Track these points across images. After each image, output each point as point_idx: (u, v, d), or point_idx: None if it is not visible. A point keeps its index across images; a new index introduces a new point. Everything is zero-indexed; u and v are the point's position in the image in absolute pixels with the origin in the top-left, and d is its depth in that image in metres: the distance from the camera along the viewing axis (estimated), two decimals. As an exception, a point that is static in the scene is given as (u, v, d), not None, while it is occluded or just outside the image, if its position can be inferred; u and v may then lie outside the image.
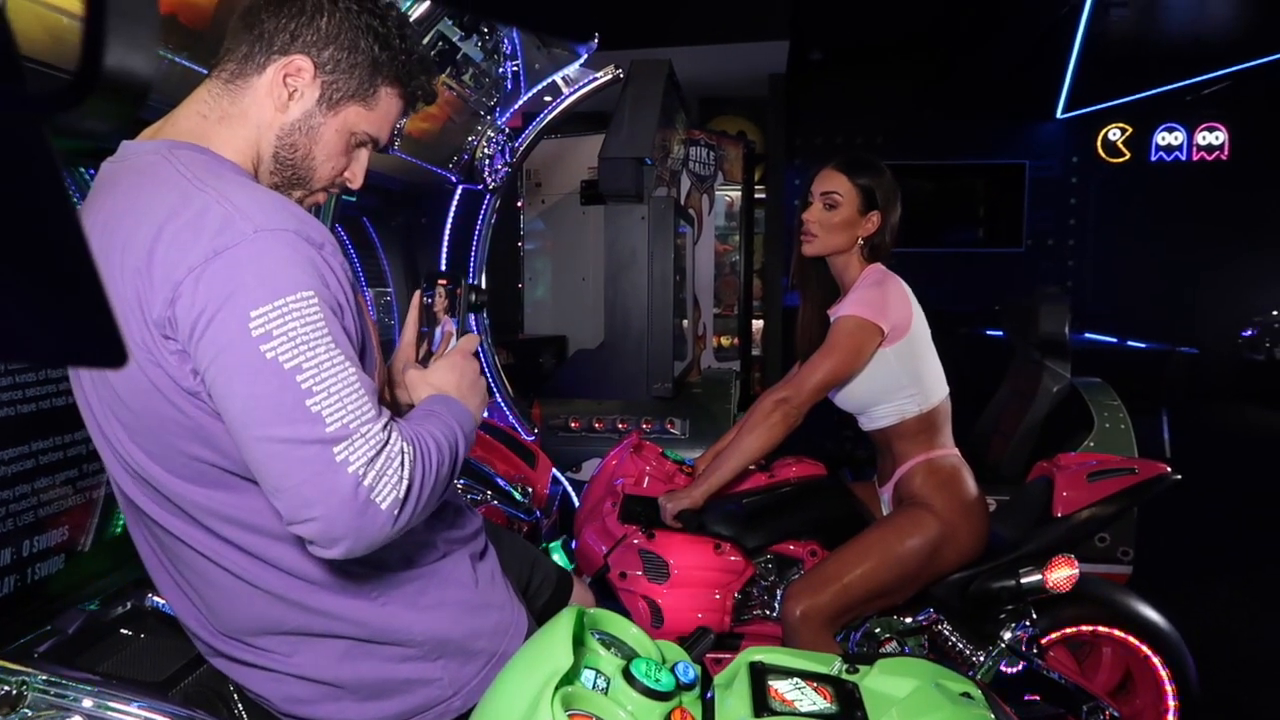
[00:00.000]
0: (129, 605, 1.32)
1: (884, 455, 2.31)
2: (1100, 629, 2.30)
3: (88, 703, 1.08)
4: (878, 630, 2.25)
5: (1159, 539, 4.60)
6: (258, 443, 1.02)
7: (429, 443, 1.13)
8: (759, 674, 1.16)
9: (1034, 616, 2.24)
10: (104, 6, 0.20)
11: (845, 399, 2.25)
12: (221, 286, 1.01)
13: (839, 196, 2.21)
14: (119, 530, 1.67)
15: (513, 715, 1.05)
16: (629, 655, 1.19)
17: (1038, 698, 2.29)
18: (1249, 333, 9.14)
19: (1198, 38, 8.25)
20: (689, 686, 1.16)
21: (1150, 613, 2.31)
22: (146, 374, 1.07)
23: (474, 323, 2.98)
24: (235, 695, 1.24)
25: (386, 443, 1.06)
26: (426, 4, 1.93)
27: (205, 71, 1.53)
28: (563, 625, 1.11)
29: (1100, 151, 9.79)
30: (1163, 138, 9.68)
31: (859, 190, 2.21)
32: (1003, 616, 2.24)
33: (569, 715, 1.04)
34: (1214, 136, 9.60)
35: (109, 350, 0.26)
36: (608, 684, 1.13)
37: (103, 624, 1.29)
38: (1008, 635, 2.22)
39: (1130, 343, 7.77)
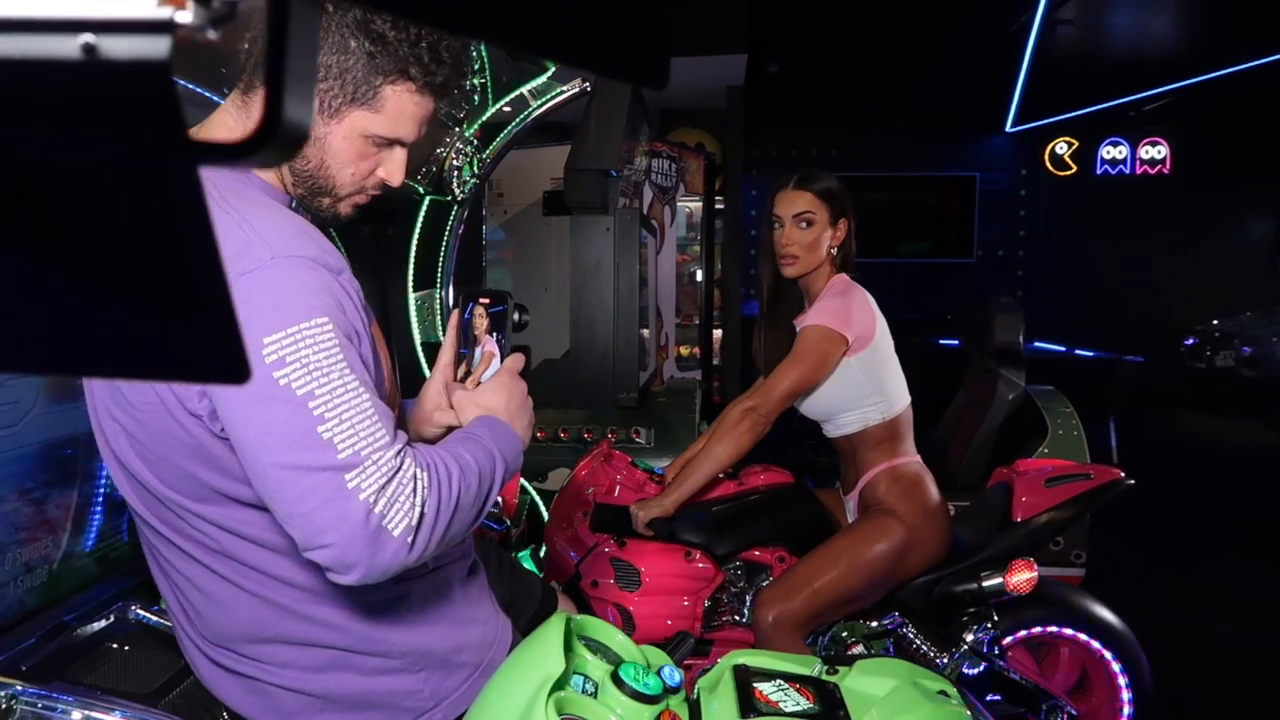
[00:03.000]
0: (112, 618, 1.32)
1: (848, 463, 2.36)
2: (1058, 630, 2.37)
3: (77, 715, 1.08)
4: (845, 634, 2.30)
5: (1109, 543, 4.73)
6: (270, 470, 1.02)
7: (450, 468, 1.12)
8: (743, 676, 1.20)
9: (995, 618, 2.30)
10: (284, 67, 0.23)
11: (810, 407, 2.30)
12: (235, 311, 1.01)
13: (812, 214, 2.26)
14: (90, 545, 1.66)
15: (507, 720, 1.07)
16: (615, 660, 1.22)
17: (999, 697, 2.35)
18: (1190, 341, 9.41)
19: (1140, 55, 8.52)
20: (675, 690, 1.19)
21: (1105, 613, 2.38)
22: (154, 388, 1.07)
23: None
24: (223, 709, 1.24)
25: (399, 469, 1.05)
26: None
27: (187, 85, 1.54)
28: (553, 631, 1.13)
29: (1048, 164, 10.05)
30: (1107, 151, 9.97)
31: (825, 202, 2.27)
32: (965, 619, 2.30)
33: (562, 719, 1.06)
34: (1156, 151, 9.90)
35: (237, 368, 0.28)
36: (596, 688, 1.16)
37: (87, 637, 1.28)
38: (970, 637, 2.28)
39: (1078, 351, 7.97)
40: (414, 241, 2.92)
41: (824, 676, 1.23)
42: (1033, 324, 9.00)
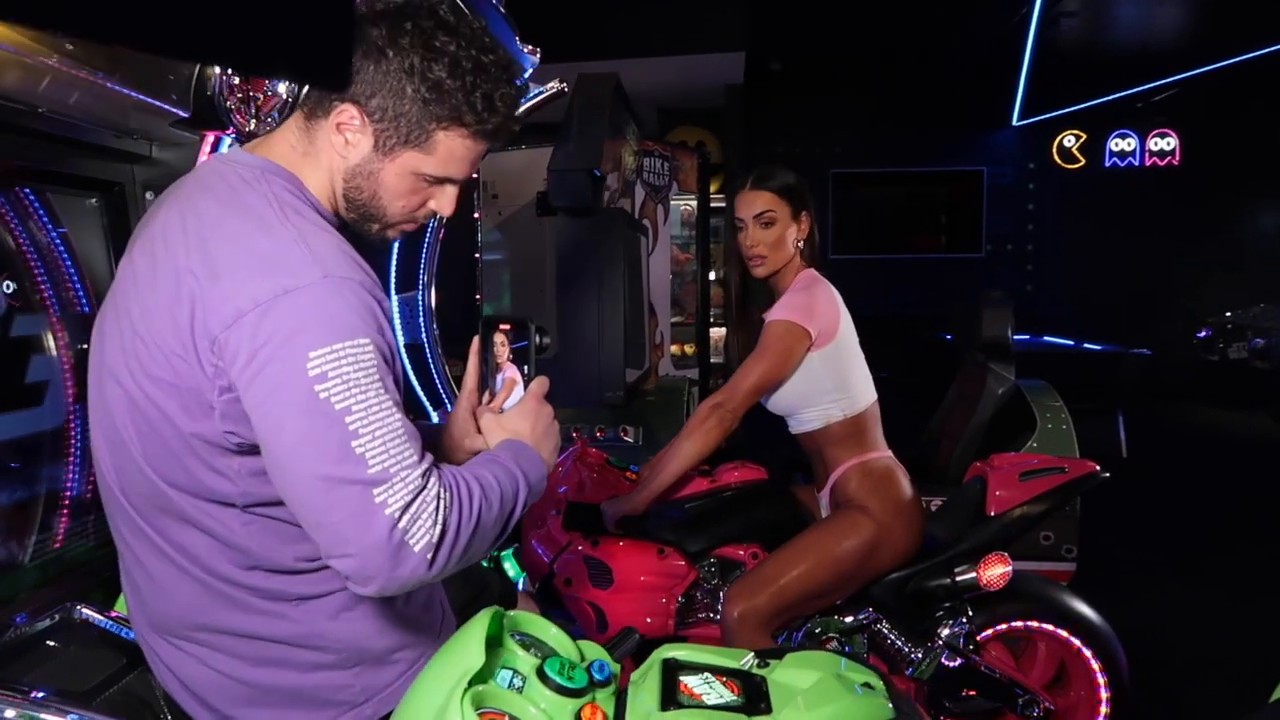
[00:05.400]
0: (56, 617, 1.34)
1: (816, 460, 2.36)
2: (1034, 624, 2.36)
3: (10, 713, 1.09)
4: (818, 630, 2.30)
5: (1112, 536, 4.70)
6: (302, 479, 1.07)
7: (471, 488, 1.16)
8: (670, 670, 1.20)
9: (970, 614, 2.29)
10: None
11: (775, 403, 2.30)
12: (285, 324, 1.06)
13: (773, 213, 2.26)
14: (56, 545, 1.69)
15: (425, 717, 1.08)
16: (549, 655, 1.22)
17: (974, 692, 2.34)
18: (1203, 334, 9.32)
19: (1146, 46, 8.46)
20: (604, 684, 1.19)
21: (1083, 608, 2.37)
22: (172, 364, 1.11)
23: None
24: (163, 703, 1.26)
25: (424, 488, 1.09)
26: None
27: (139, 96, 1.55)
28: (476, 626, 1.14)
29: (1056, 158, 9.99)
30: (1116, 144, 9.90)
31: (784, 199, 2.27)
32: (940, 614, 2.30)
33: (480, 714, 1.07)
34: (1165, 142, 9.83)
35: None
36: (524, 683, 1.16)
37: (29, 636, 1.31)
38: (945, 632, 2.27)
39: (1086, 345, 7.90)
40: (395, 244, 2.94)
41: (754, 670, 1.23)
42: (1042, 319, 8.93)
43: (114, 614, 1.43)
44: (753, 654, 1.26)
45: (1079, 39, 8.14)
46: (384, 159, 1.21)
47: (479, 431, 1.39)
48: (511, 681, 1.16)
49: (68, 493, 1.70)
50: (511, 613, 1.28)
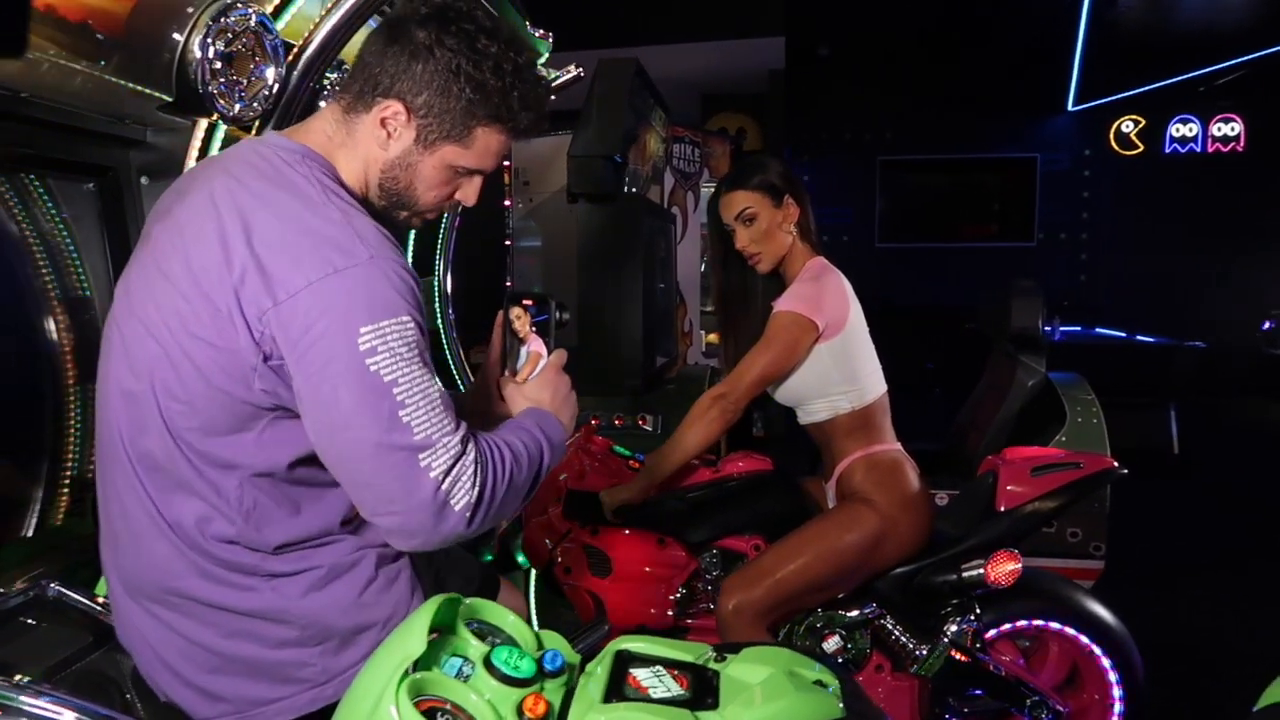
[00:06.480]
0: (31, 594, 1.37)
1: (824, 451, 2.32)
2: (1045, 624, 2.30)
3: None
4: (820, 625, 2.26)
5: (1159, 533, 4.57)
6: (354, 445, 1.16)
7: (504, 452, 1.26)
8: (622, 662, 1.19)
9: (978, 611, 2.24)
10: None
11: (781, 393, 2.27)
12: (336, 302, 1.14)
13: (751, 209, 2.23)
14: (60, 521, 1.73)
15: (365, 703, 1.08)
16: (501, 644, 1.21)
17: (980, 691, 2.29)
18: (1267, 326, 8.98)
19: (1210, 27, 8.15)
20: (555, 674, 1.18)
21: (1097, 608, 2.30)
22: (217, 325, 1.16)
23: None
24: (129, 681, 1.28)
25: (463, 453, 1.19)
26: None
27: (124, 82, 1.57)
28: (421, 614, 1.13)
29: (1113, 144, 9.67)
30: (1177, 129, 9.54)
31: (761, 192, 2.23)
32: (946, 611, 2.25)
33: (417, 701, 1.06)
34: (1229, 128, 9.45)
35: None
36: (472, 671, 1.16)
37: (2, 612, 1.33)
38: (951, 629, 2.22)
39: (1140, 337, 7.67)
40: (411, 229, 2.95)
41: (710, 664, 1.21)
42: (1095, 309, 8.65)
43: (96, 598, 1.44)
44: (711, 648, 1.24)
45: (1138, 19, 7.88)
46: (424, 152, 1.30)
47: (501, 400, 1.47)
48: (460, 669, 1.15)
49: (65, 473, 1.73)
50: (469, 600, 1.27)
